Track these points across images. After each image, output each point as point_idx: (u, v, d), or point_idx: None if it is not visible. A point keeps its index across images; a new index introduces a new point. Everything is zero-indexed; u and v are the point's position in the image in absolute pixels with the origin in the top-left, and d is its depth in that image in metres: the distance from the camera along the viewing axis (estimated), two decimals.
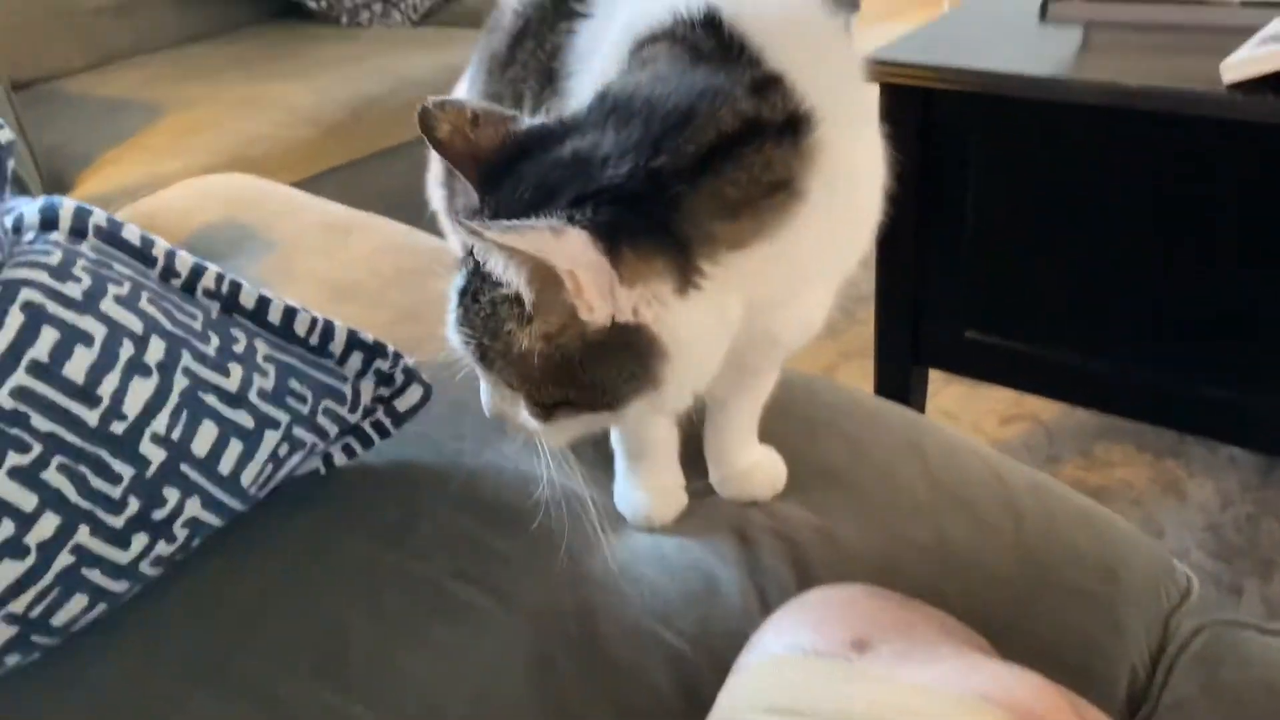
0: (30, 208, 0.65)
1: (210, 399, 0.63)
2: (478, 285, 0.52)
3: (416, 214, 1.52)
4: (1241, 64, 1.07)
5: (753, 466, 0.74)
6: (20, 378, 0.57)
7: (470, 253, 0.52)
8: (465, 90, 0.78)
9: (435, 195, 0.85)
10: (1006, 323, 1.40)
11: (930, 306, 1.43)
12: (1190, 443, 1.63)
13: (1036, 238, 1.33)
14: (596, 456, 0.77)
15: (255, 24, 2.13)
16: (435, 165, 0.84)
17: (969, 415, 1.76)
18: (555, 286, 0.48)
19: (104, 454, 0.59)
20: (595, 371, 0.51)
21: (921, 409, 1.55)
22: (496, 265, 0.49)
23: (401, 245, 1.01)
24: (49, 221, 0.65)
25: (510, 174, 0.52)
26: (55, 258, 0.62)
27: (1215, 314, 1.27)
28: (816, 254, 0.56)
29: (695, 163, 0.49)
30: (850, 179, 0.55)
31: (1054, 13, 1.49)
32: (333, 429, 0.70)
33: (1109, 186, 1.28)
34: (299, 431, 0.68)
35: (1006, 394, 1.71)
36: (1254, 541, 1.48)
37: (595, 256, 0.47)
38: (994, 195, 1.35)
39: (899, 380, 1.48)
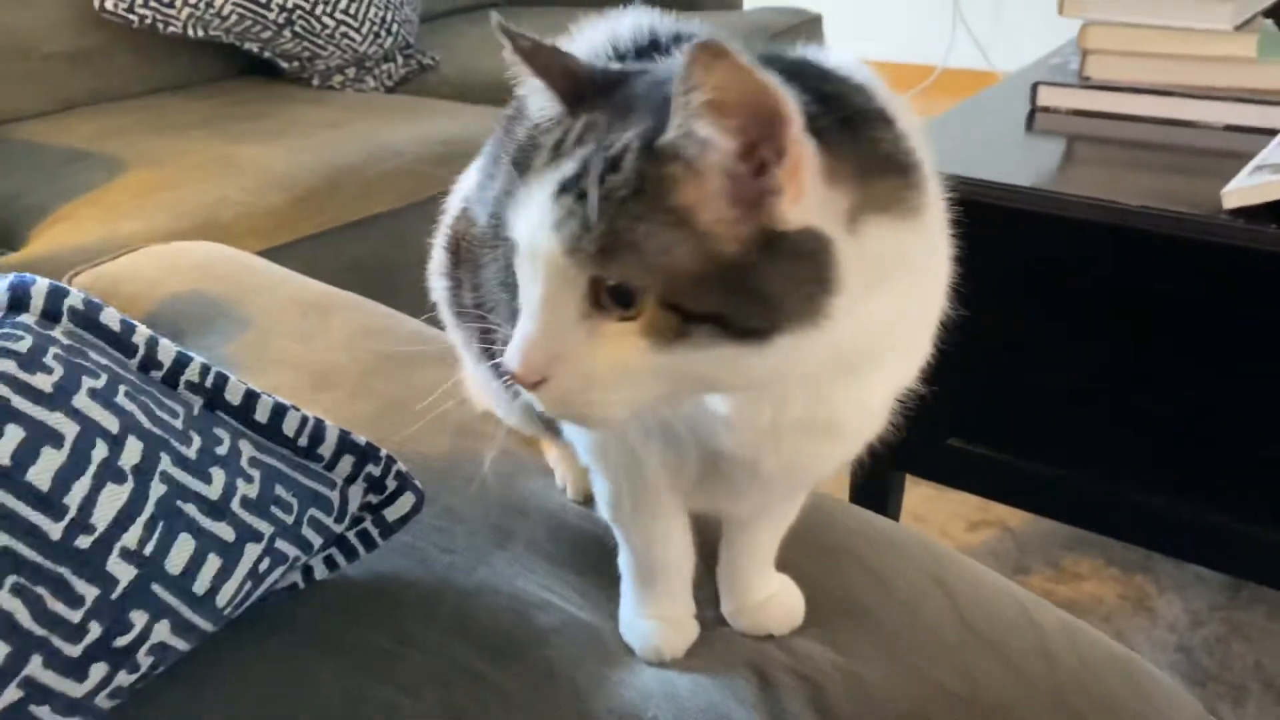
0: None
1: (189, 508, 0.57)
2: (621, 156, 0.44)
3: (388, 288, 1.46)
4: (1243, 191, 1.07)
5: (770, 598, 0.69)
6: None
7: (588, 125, 0.46)
8: (478, 182, 0.74)
9: (437, 286, 0.79)
10: (990, 431, 1.38)
11: (913, 412, 1.40)
12: (1157, 558, 1.62)
13: (1021, 346, 1.32)
14: (599, 579, 0.71)
15: (223, 79, 2.07)
16: (439, 254, 0.79)
17: (936, 519, 1.73)
18: (762, 160, 0.42)
19: (66, 572, 0.52)
20: (770, 280, 0.43)
21: (897, 516, 1.51)
22: (702, 117, 0.41)
23: (383, 329, 0.95)
24: (18, 302, 0.58)
25: (621, 88, 0.47)
26: (24, 344, 0.55)
27: (1192, 433, 1.26)
28: (908, 312, 0.51)
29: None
30: (938, 253, 0.52)
31: (1040, 124, 1.50)
32: (317, 540, 0.64)
33: (1093, 299, 1.27)
34: (282, 544, 0.61)
35: (973, 498, 1.69)
36: (1225, 664, 1.46)
37: (809, 139, 0.42)
38: (979, 302, 1.34)
39: (877, 486, 1.44)
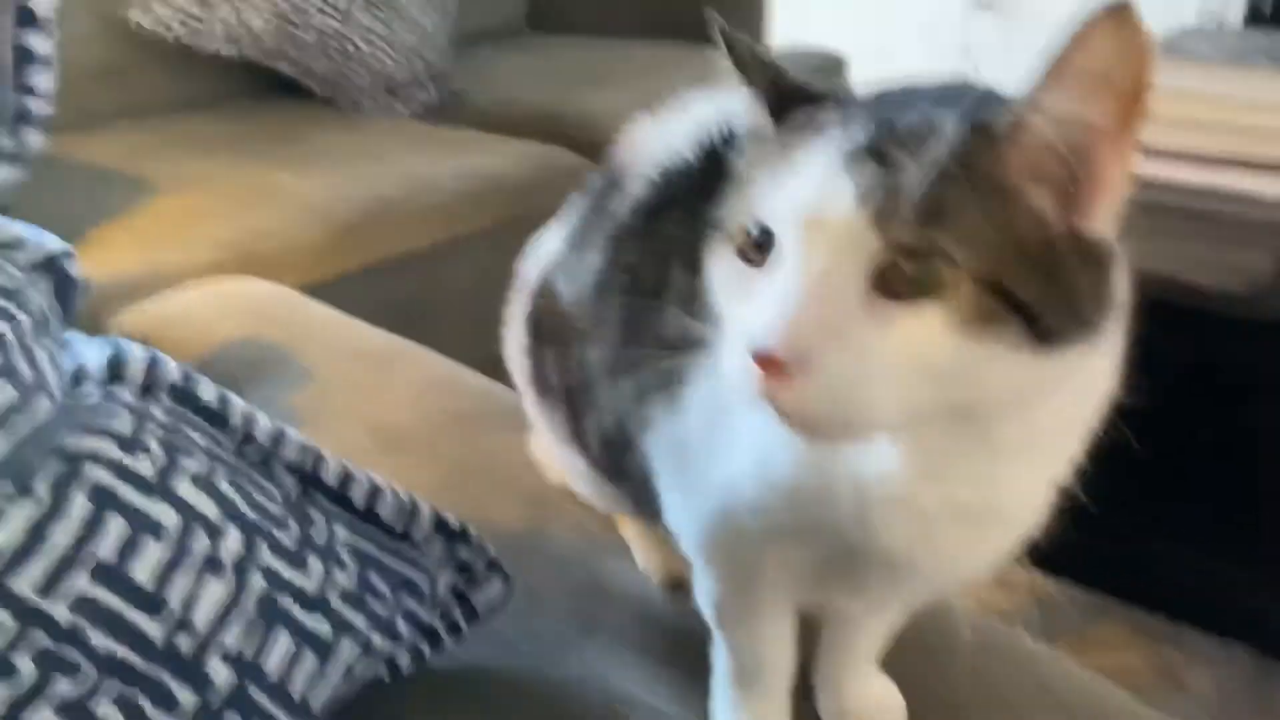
0: (94, 352, 0.55)
1: (287, 602, 0.53)
2: (935, 126, 0.40)
3: (425, 328, 1.43)
4: None
5: (871, 699, 0.66)
6: (83, 585, 0.46)
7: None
8: (561, 254, 0.71)
9: (517, 363, 0.76)
10: None
11: None
12: (1185, 628, 1.60)
13: None
14: (690, 673, 0.68)
15: (249, 98, 2.03)
16: (517, 330, 0.75)
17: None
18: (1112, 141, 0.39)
19: (165, 676, 0.48)
20: (1075, 281, 0.40)
21: None
22: (1080, 87, 0.38)
23: (448, 384, 0.92)
24: (117, 372, 0.55)
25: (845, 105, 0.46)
26: (125, 424, 0.52)
27: (1224, 506, 1.24)
28: (1100, 385, 0.47)
29: None
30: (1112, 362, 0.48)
31: None
32: (408, 631, 0.60)
33: (1129, 365, 1.25)
34: (377, 639, 0.58)
35: None
36: None
37: None
38: None
39: None
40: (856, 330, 0.39)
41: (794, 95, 0.47)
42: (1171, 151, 1.44)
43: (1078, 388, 0.45)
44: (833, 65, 2.49)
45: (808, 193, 0.41)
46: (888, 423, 0.41)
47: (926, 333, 0.39)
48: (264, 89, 2.05)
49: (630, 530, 0.77)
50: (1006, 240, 0.39)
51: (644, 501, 0.66)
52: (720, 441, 0.54)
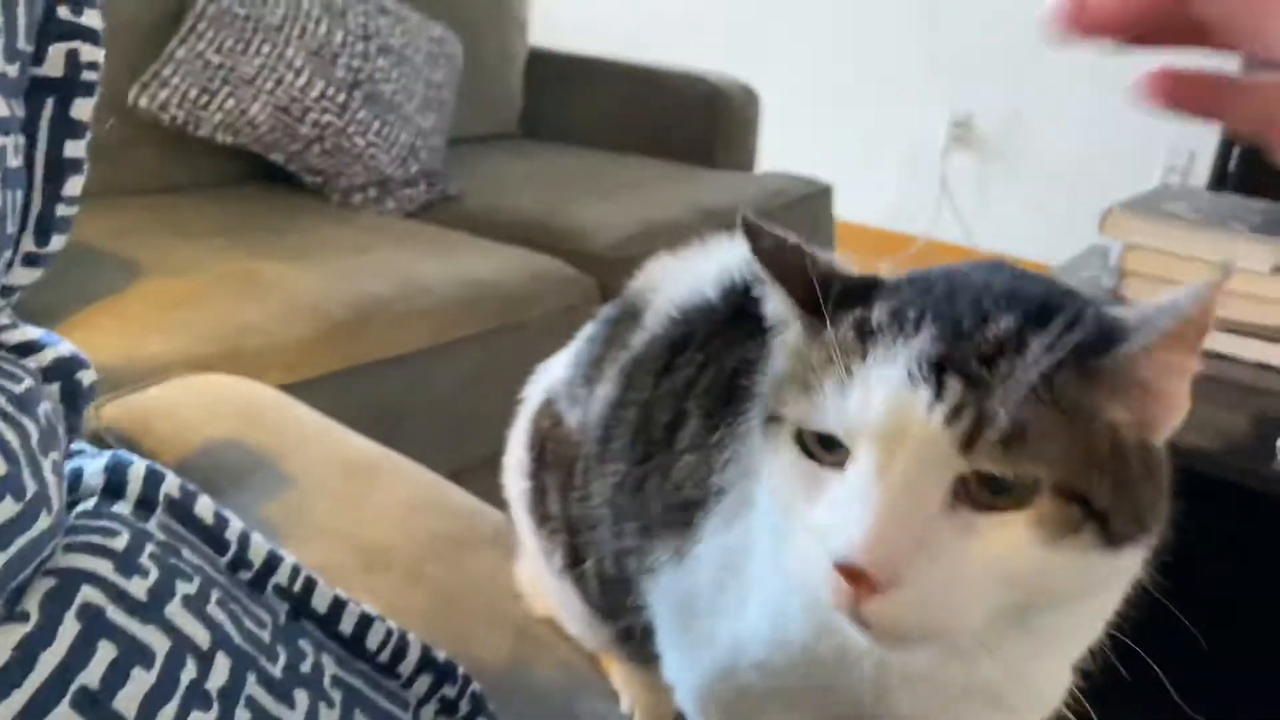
0: (93, 466, 0.54)
1: None
2: (1019, 342, 0.40)
3: (406, 432, 1.41)
4: None
5: None
6: (64, 713, 0.44)
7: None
8: (567, 378, 0.70)
9: (515, 486, 0.75)
10: None
11: None
12: None
13: None
14: None
15: (240, 185, 2.04)
16: (517, 451, 0.74)
17: None
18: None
19: None
20: (1144, 482, 0.41)
21: None
22: (1176, 348, 0.40)
23: (434, 502, 0.90)
24: (116, 487, 0.53)
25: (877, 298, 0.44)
26: (121, 541, 0.50)
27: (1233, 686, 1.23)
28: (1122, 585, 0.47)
29: None
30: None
31: None
32: None
33: None
34: None
35: None
36: None
37: None
38: None
39: None
40: (941, 542, 0.39)
41: (828, 285, 0.45)
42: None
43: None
44: (820, 192, 2.55)
45: (883, 405, 0.40)
46: (970, 629, 0.40)
47: (1010, 541, 0.39)
48: (253, 176, 2.06)
49: (618, 672, 0.75)
50: (1086, 453, 0.39)
51: (639, 645, 0.64)
52: (731, 599, 0.53)
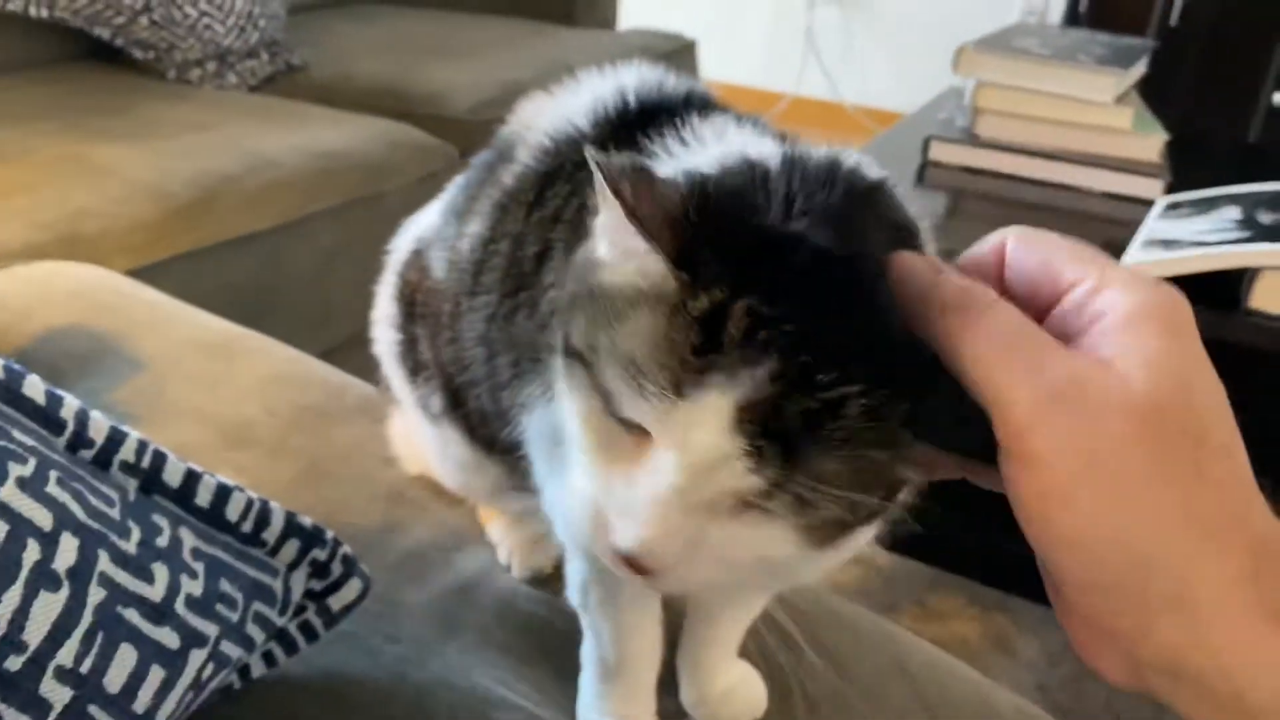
0: None
1: (130, 614, 0.50)
2: (841, 405, 0.38)
3: (264, 313, 1.37)
4: (1143, 268, 1.12)
5: (732, 687, 0.67)
6: None
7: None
8: (437, 226, 0.68)
9: (384, 339, 0.73)
10: None
11: None
12: (1016, 599, 1.69)
13: None
14: (554, 670, 0.67)
15: (65, 63, 1.90)
16: (386, 305, 0.72)
17: None
18: None
19: None
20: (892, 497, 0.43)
21: None
22: None
23: (296, 376, 0.88)
24: None
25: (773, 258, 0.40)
26: None
27: None
28: None
29: None
30: None
31: (931, 178, 1.54)
32: (260, 636, 0.57)
33: None
34: (227, 646, 0.54)
35: None
36: (1079, 701, 1.54)
37: None
38: None
39: None
40: (714, 539, 0.41)
41: (696, 244, 0.40)
42: (1011, 145, 1.50)
43: None
44: (684, 48, 2.51)
45: (699, 448, 0.39)
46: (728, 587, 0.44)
47: (776, 540, 0.41)
48: (79, 54, 1.92)
49: (495, 525, 0.76)
50: (864, 491, 0.40)
51: (520, 477, 0.64)
52: None
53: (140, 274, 1.09)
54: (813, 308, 0.39)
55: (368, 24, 2.37)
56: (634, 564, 0.41)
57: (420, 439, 0.74)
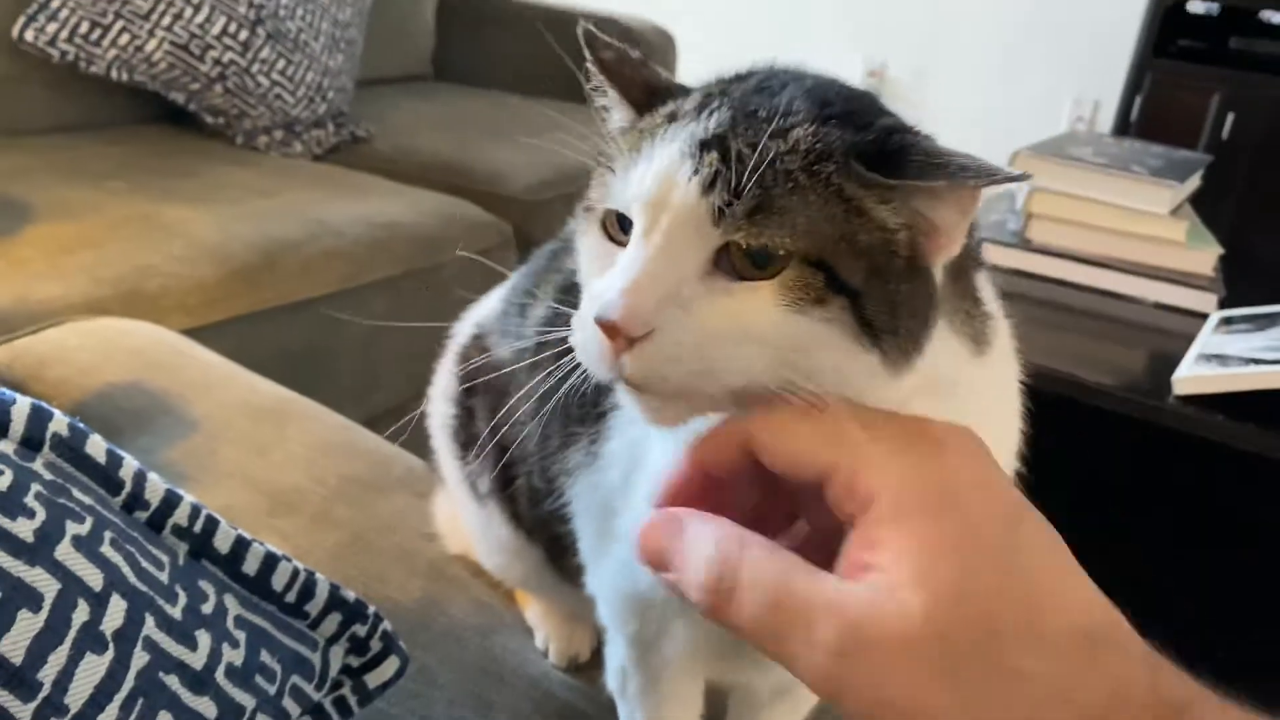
0: None
1: (171, 681, 0.50)
2: (789, 129, 0.42)
3: (317, 380, 1.38)
4: (1195, 380, 1.11)
5: None
6: None
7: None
8: (499, 311, 0.69)
9: (438, 412, 0.74)
10: None
11: None
12: None
13: None
14: None
15: (137, 124, 1.96)
16: (444, 379, 0.73)
17: None
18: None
19: None
20: (903, 294, 0.41)
21: None
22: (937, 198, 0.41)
23: (344, 445, 0.88)
24: None
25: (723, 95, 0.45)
26: (4, 480, 0.48)
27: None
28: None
29: None
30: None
31: None
32: (295, 711, 0.57)
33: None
34: (262, 719, 0.54)
35: None
36: None
37: None
38: None
39: None
40: (693, 301, 0.41)
41: (663, 94, 0.47)
42: (1063, 251, 1.50)
43: None
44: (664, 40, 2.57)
45: (653, 178, 0.42)
46: (722, 390, 0.42)
47: (757, 305, 0.40)
48: (152, 116, 1.98)
49: (533, 608, 0.75)
50: (843, 236, 0.41)
51: (561, 560, 0.64)
52: (635, 493, 0.53)
53: (197, 334, 1.11)
54: (758, 92, 0.44)
55: (430, 101, 2.43)
56: (615, 331, 0.41)
57: (464, 518, 0.75)
